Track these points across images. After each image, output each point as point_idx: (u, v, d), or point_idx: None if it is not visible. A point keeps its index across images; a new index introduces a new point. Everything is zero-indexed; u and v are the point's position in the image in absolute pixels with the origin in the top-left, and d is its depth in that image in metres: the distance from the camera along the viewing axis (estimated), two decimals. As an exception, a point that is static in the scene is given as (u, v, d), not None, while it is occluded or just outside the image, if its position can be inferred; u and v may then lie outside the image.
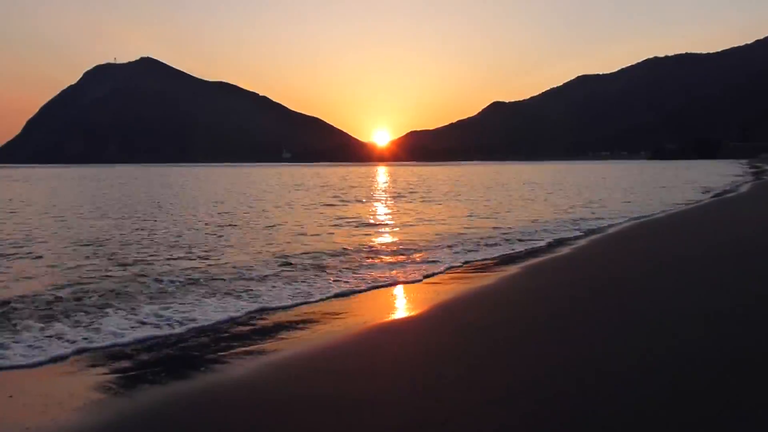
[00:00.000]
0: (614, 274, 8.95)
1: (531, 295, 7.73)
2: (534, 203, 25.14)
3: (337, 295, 7.87)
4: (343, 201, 27.62)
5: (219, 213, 21.01)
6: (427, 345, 5.60)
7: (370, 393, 4.34)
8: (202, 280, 8.83)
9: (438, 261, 10.36)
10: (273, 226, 16.77)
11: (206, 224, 17.13)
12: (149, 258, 11.04)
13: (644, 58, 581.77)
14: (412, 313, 7.09)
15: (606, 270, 9.45)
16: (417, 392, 4.33)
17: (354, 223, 17.09)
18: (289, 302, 7.46)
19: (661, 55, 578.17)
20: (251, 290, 8.14)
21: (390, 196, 31.29)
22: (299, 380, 4.73)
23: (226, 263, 10.35)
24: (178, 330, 6.18)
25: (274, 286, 8.39)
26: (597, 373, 4.58)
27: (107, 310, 7.01)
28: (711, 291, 7.45)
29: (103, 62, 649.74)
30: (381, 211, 21.75)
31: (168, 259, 10.94)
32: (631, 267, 9.61)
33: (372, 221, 17.86)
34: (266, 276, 9.15)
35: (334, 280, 8.82)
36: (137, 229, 15.89)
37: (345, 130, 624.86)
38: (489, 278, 8.90)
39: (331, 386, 4.53)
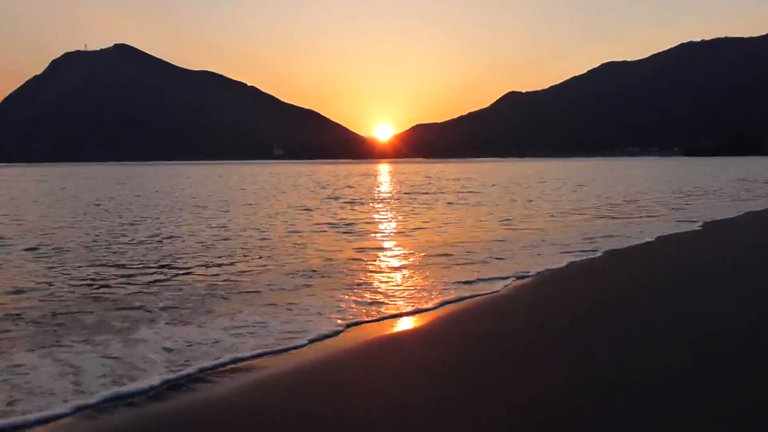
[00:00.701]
0: (636, 281, 9.11)
1: (542, 304, 7.87)
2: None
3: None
4: (351, 202, 27.84)
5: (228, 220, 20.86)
6: (429, 356, 5.73)
7: (368, 409, 4.43)
8: (222, 294, 8.78)
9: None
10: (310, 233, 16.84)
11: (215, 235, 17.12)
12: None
13: (678, 43, 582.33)
14: (415, 324, 7.19)
15: (629, 277, 9.59)
16: (417, 407, 4.41)
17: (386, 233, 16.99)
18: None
19: (697, 39, 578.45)
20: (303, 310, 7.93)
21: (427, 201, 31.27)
22: (291, 397, 4.78)
23: (260, 275, 10.33)
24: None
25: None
26: (613, 387, 4.67)
27: (136, 336, 6.68)
28: (737, 299, 7.65)
29: (72, 50, 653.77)
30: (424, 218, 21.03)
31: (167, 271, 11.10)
32: (655, 274, 9.77)
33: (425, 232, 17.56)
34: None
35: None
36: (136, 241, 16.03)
37: (343, 124, 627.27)
38: (498, 286, 9.06)
39: (326, 402, 4.62)
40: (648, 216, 19.86)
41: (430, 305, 7.97)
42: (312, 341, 6.39)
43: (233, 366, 5.68)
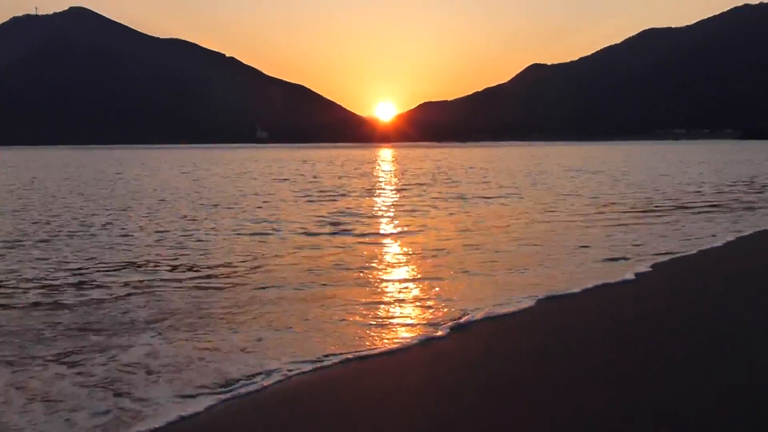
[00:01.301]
0: (693, 289, 9.02)
1: (564, 317, 7.78)
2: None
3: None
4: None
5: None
6: (432, 377, 5.91)
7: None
8: (213, 304, 8.75)
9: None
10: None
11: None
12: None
13: (731, 6, 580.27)
14: (415, 339, 7.23)
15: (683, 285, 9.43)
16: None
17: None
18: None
19: (754, 1, 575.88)
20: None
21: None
22: (274, 424, 4.87)
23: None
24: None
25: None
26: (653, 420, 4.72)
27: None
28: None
29: (20, 14, 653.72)
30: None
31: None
32: (716, 282, 9.63)
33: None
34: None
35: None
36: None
37: (338, 102, 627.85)
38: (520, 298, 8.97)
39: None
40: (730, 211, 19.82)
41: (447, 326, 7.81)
42: (315, 369, 6.28)
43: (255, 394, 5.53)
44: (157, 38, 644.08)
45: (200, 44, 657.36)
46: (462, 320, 7.83)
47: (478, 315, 8.07)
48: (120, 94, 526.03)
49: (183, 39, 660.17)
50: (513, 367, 6.16)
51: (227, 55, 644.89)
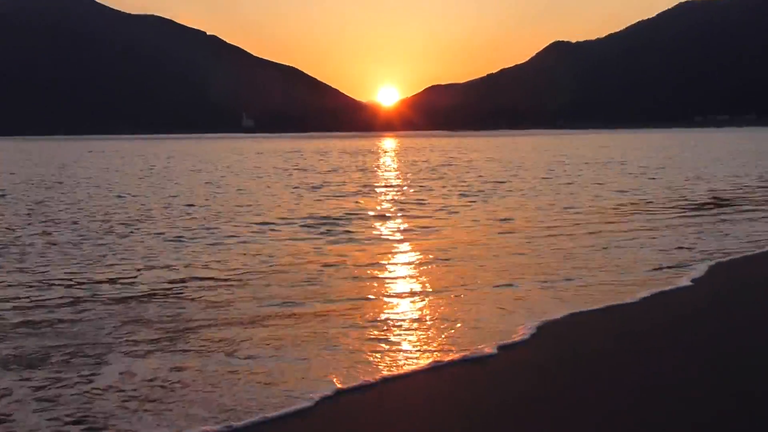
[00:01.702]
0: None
1: (620, 330, 7.85)
2: None
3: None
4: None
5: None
6: (438, 396, 6.10)
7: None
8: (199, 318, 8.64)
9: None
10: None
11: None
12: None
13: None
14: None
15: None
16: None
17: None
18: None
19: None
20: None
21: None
22: None
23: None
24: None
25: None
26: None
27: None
28: None
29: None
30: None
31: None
32: None
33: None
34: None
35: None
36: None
37: (334, 86, 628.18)
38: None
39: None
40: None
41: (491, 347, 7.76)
42: (332, 396, 6.17)
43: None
44: (128, 14, 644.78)
45: (177, 21, 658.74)
46: (515, 338, 7.80)
47: (525, 332, 8.00)
48: (85, 77, 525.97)
49: (158, 15, 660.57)
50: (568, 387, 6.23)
51: (208, 33, 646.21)
